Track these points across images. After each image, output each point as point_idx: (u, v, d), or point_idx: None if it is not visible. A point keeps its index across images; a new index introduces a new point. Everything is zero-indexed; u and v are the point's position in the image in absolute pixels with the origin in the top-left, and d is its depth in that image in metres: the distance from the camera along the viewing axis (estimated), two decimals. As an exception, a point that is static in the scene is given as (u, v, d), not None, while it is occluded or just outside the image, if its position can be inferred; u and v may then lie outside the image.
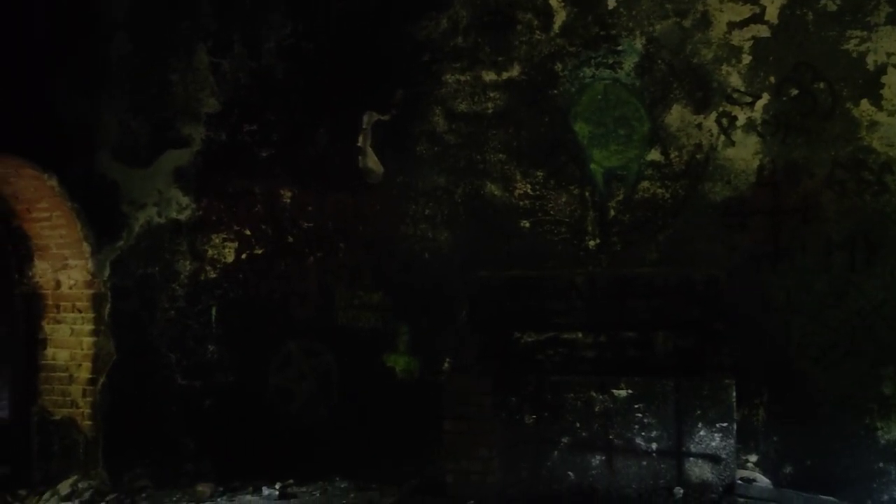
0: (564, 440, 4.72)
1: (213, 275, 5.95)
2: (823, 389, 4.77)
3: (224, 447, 5.79)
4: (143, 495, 5.50)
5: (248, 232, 5.95)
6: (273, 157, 5.91)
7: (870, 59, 4.79)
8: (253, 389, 5.83)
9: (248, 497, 5.39)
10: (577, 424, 4.72)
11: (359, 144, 5.74)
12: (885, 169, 4.72)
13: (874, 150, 4.76)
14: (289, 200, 5.90)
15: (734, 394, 4.52)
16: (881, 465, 4.64)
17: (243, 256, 5.95)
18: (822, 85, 4.90)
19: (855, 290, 4.74)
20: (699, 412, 4.55)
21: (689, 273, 4.95)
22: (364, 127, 5.72)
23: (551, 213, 5.41)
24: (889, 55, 4.74)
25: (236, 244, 5.94)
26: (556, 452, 4.73)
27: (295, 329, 5.82)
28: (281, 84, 5.86)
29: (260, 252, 5.92)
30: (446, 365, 5.17)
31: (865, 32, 4.80)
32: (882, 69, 4.76)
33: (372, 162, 5.75)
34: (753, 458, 4.86)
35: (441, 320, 5.48)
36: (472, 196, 5.54)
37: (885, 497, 4.62)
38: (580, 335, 5.05)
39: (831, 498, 4.55)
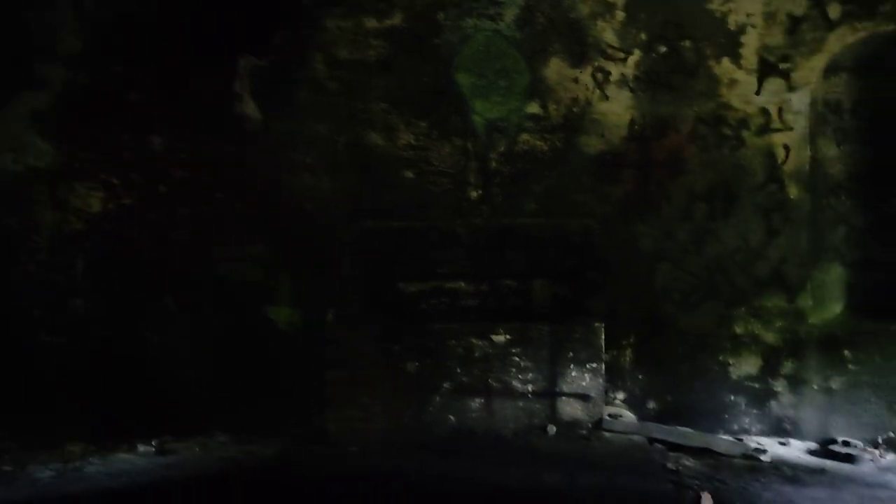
0: (446, 385, 4.86)
1: (78, 226, 5.62)
2: (684, 330, 5.13)
3: (96, 405, 5.55)
4: (7, 457, 5.21)
5: (116, 181, 5.64)
6: (143, 102, 5.61)
7: (731, 20, 5.07)
8: (126, 345, 5.61)
9: (123, 455, 5.21)
10: (458, 370, 4.86)
11: (236, 90, 5.54)
12: (742, 125, 5.05)
13: (733, 106, 5.07)
14: (160, 148, 5.63)
15: (603, 337, 4.78)
16: (732, 397, 5.07)
17: (111, 207, 5.65)
18: (687, 43, 5.14)
19: (713, 238, 5.09)
20: (571, 355, 4.79)
21: (565, 223, 5.14)
22: (241, 72, 5.52)
23: (434, 163, 5.45)
24: (749, 15, 5.03)
25: (103, 193, 5.63)
26: (437, 398, 4.86)
27: (171, 282, 5.62)
28: (150, 24, 5.53)
29: (130, 202, 5.64)
30: (330, 316, 5.15)
31: (728, -7, 5.08)
32: (742, 29, 5.05)
33: (250, 109, 5.58)
34: (621, 395, 5.18)
35: (324, 272, 5.44)
36: (355, 145, 5.49)
37: (735, 426, 5.06)
38: (462, 284, 5.16)
39: (688, 429, 4.93)
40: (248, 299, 5.56)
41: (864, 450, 4.65)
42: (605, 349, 4.82)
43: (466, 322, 4.98)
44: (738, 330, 5.05)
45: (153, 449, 5.20)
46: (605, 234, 5.14)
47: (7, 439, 5.44)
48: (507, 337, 4.85)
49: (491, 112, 5.42)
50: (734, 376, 5.06)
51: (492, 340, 4.86)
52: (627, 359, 5.19)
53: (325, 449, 4.68)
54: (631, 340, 5.19)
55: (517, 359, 4.83)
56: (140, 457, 5.12)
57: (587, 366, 4.76)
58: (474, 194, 5.44)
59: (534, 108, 5.36)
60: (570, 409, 4.78)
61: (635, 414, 5.09)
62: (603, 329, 4.76)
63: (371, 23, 5.41)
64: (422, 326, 4.96)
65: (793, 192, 4.96)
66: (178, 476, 4.62)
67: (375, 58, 5.43)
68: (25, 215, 5.58)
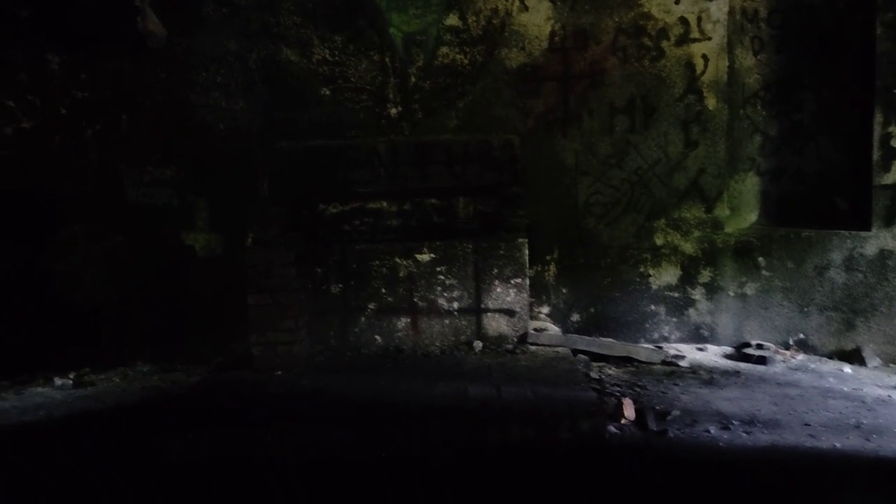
0: (371, 306, 4.81)
1: (-27, 152, 5.26)
2: (606, 244, 5.19)
3: (7, 339, 5.32)
4: (-89, 397, 4.97)
5: (11, 103, 5.27)
6: (34, 18, 5.20)
7: (652, -74, 4.97)
8: (34, 277, 5.35)
9: (39, 389, 5.03)
10: (383, 290, 4.81)
11: (136, 4, 5.17)
12: (662, 35, 5.00)
13: (653, 16, 5.01)
14: (57, 67, 5.27)
15: (526, 252, 4.78)
16: (652, 307, 5.19)
17: (9, 131, 5.29)
18: (607, -51, 5.03)
19: (634, 150, 5.10)
20: (495, 271, 4.78)
21: (488, 139, 5.05)
22: (139, -17, 5.15)
23: (352, 80, 5.27)
24: (669, -79, 4.93)
25: (-1, 118, 5.27)
26: (363, 319, 4.82)
27: (77, 210, 5.35)
28: (34, -72, 5.09)
29: (28, 126, 5.30)
30: (249, 241, 4.99)
31: None
32: (662, -65, 4.95)
33: (153, 24, 5.23)
34: (545, 309, 5.25)
35: (241, 194, 5.26)
36: (268, 62, 5.24)
37: (655, 335, 5.20)
38: (384, 204, 5.05)
39: (611, 339, 5.05)
40: (162, 225, 5.35)
41: (777, 351, 4.85)
42: (529, 264, 4.83)
43: (390, 242, 4.90)
44: (658, 241, 5.14)
45: (71, 381, 5.04)
46: (527, 148, 5.08)
47: None
48: (432, 255, 4.81)
49: (409, 25, 5.23)
50: (654, 286, 5.18)
51: (416, 259, 4.81)
52: (551, 273, 5.24)
53: (250, 374, 4.59)
54: (554, 255, 5.23)
55: (442, 277, 4.80)
56: (57, 390, 4.96)
57: (512, 281, 4.77)
58: (394, 111, 5.30)
59: (453, 20, 5.19)
60: (496, 324, 4.81)
61: (560, 327, 5.17)
62: (526, 244, 4.76)
63: (280, -73, 5.10)
64: (344, 247, 4.87)
65: (711, 103, 4.98)
66: (97, 407, 4.49)
67: (286, -33, 5.15)
68: (-89, 142, 5.18)
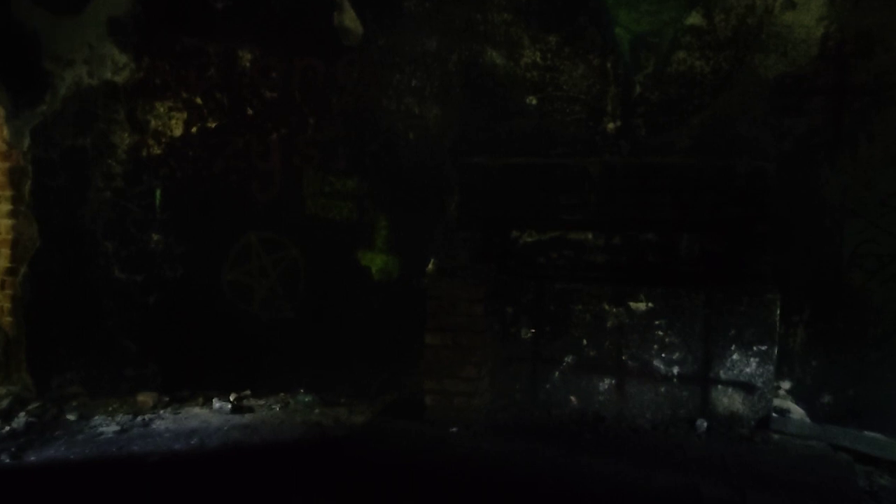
0: (568, 359, 3.98)
1: (157, 150, 5.01)
2: (878, 307, 4.01)
3: (171, 351, 5.02)
4: (74, 404, 4.75)
5: (199, 100, 4.98)
6: (231, 10, 4.89)
7: None
8: (205, 285, 5.01)
9: (197, 409, 4.65)
10: (584, 341, 3.96)
11: (339, -1, 4.72)
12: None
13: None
14: (249, 64, 4.91)
15: (777, 311, 3.74)
16: (939, 397, 3.95)
17: (194, 130, 5.00)
18: (912, -68, 3.89)
19: (930, 190, 3.91)
20: (733, 332, 3.78)
21: (729, 164, 4.09)
22: (336, -23, 4.69)
23: (564, 87, 4.48)
24: None
25: (185, 115, 4.99)
26: (556, 373, 3.99)
27: (255, 217, 4.95)
28: (237, -85, 4.76)
29: (214, 125, 4.98)
30: (431, 266, 4.34)
31: None
32: None
33: (349, 19, 4.74)
34: (787, 384, 4.14)
35: (427, 213, 4.63)
36: (470, 65, 4.57)
37: (938, 434, 3.95)
38: (589, 236, 4.23)
39: (879, 435, 3.87)
40: (339, 241, 4.82)
41: None
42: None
43: (595, 282, 4.05)
44: (955, 311, 3.89)
45: (230, 405, 4.61)
46: (779, 178, 4.05)
47: (75, 383, 4.99)
48: (649, 304, 3.90)
49: (639, 24, 4.36)
50: (944, 370, 3.93)
51: (629, 307, 3.92)
52: (798, 339, 4.12)
53: (420, 426, 3.93)
54: (804, 316, 4.11)
55: (660, 333, 3.88)
56: (214, 413, 4.55)
57: (754, 348, 3.75)
58: (611, 126, 4.43)
59: (696, 18, 4.26)
60: (728, 400, 3.80)
61: (804, 409, 4.05)
62: (778, 301, 3.72)
63: None
64: (540, 284, 4.08)
65: None
66: (252, 441, 3.98)
67: (498, -43, 4.47)
68: (101, 136, 5.01)
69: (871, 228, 4.02)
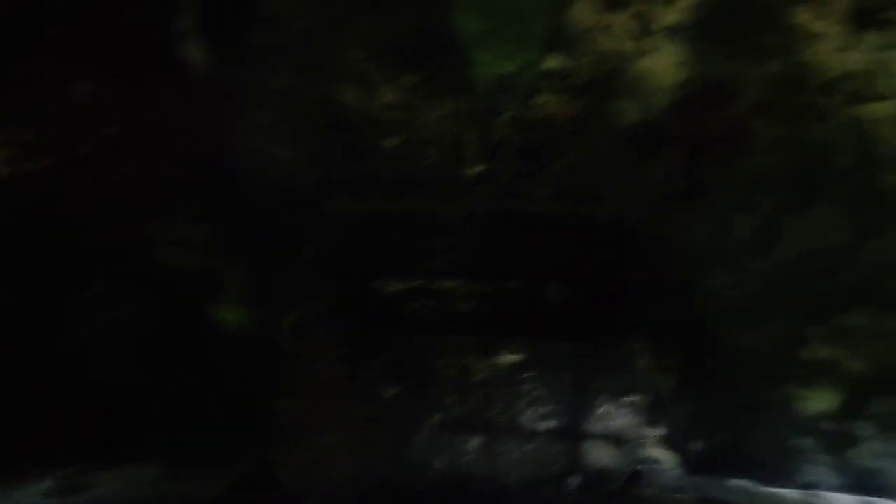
0: (434, 418, 3.75)
1: (-26, 194, 4.45)
2: (743, 353, 4.03)
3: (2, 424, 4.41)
4: None
5: (30, 137, 4.47)
6: (63, 39, 4.43)
7: (817, -46, 3.93)
8: (33, 346, 4.44)
9: (26, 490, 4.09)
10: (451, 398, 3.75)
11: (179, 27, 4.35)
12: (827, 91, 3.91)
13: (816, 67, 3.92)
14: (84, 97, 4.46)
15: (644, 360, 3.68)
16: (801, 441, 3.98)
17: (20, 170, 4.47)
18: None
19: (785, 235, 3.98)
20: (601, 383, 3.69)
21: (592, 210, 4.05)
22: (185, 4, 4.32)
23: (424, 129, 4.33)
24: (842, -51, 3.89)
25: (14, 152, 4.43)
26: (422, 434, 3.75)
27: (92, 268, 4.46)
28: (65, -63, 4.34)
29: (44, 165, 4.47)
30: (288, 321, 4.03)
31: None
32: (832, -34, 3.91)
33: (196, 52, 4.41)
34: (658, 433, 4.07)
35: (283, 263, 4.31)
36: (325, 104, 4.34)
37: (802, 478, 3.96)
38: (456, 284, 4.08)
39: (746, 482, 3.85)
40: (188, 293, 4.41)
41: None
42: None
43: (461, 334, 3.88)
44: (815, 354, 3.96)
45: (63, 482, 4.06)
46: (643, 225, 4.04)
47: None
48: (516, 357, 3.75)
49: (498, 66, 4.27)
50: (805, 414, 3.97)
51: (496, 361, 3.74)
52: (668, 386, 4.08)
53: (276, 497, 3.58)
54: (673, 363, 4.08)
55: (528, 386, 3.72)
56: (43, 499, 3.99)
57: (622, 399, 3.66)
58: (473, 170, 4.31)
59: (555, 62, 4.21)
60: (599, 454, 3.68)
61: (676, 457, 3.99)
62: (645, 350, 3.66)
63: (350, -56, 4.25)
64: (403, 338, 3.86)
65: (893, 180, 3.85)
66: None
67: (353, -9, 4.28)
68: None
69: (734, 274, 4.06)
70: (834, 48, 3.92)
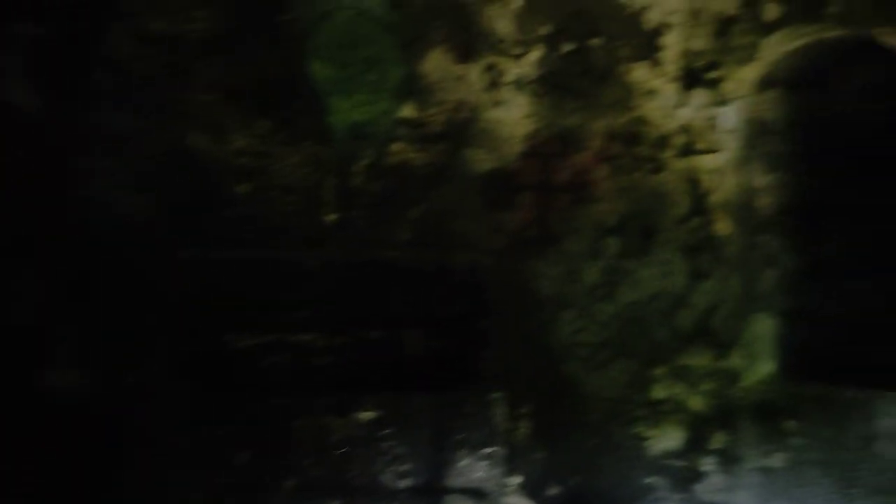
0: (289, 483, 3.58)
1: None
2: (592, 396, 4.14)
3: None
4: None
5: None
6: None
7: (649, 17, 4.17)
8: None
9: None
10: (307, 461, 3.60)
11: (2, 66, 4.00)
12: (662, 144, 4.15)
13: (652, 121, 4.15)
14: None
15: (501, 411, 3.71)
16: (650, 479, 4.12)
17: None
18: (598, 42, 4.20)
19: (628, 280, 4.16)
20: (461, 436, 3.67)
21: (448, 258, 4.07)
22: (9, 42, 3.98)
23: (278, 176, 4.20)
24: (670, 13, 4.14)
25: None
26: (278, 500, 3.57)
27: None
28: None
29: None
30: (128, 383, 3.75)
31: None
32: (662, 29, 4.15)
33: (23, 93, 4.08)
34: (516, 480, 4.09)
35: (124, 319, 4.00)
36: (172, 149, 4.12)
37: (652, 514, 4.14)
38: (313, 337, 3.95)
39: (601, 524, 3.96)
40: (16, 355, 4.01)
41: (805, 539, 3.86)
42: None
43: (319, 391, 3.75)
44: (658, 394, 4.13)
45: None
46: (496, 273, 4.10)
47: None
48: (374, 413, 3.66)
49: (354, 113, 4.23)
50: (653, 452, 4.13)
51: (354, 418, 3.64)
52: (524, 433, 4.12)
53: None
54: (528, 410, 4.13)
55: (388, 443, 3.64)
56: None
57: (482, 451, 3.66)
58: (330, 218, 4.22)
59: (409, 111, 4.23)
60: (459, 509, 3.65)
61: (533, 502, 4.04)
62: (502, 401, 3.68)
63: (196, -14, 4.08)
64: (256, 397, 3.68)
65: (722, 227, 4.12)
66: None
67: (202, 34, 4.10)
68: None
69: (581, 319, 4.18)
70: (668, 105, 4.18)
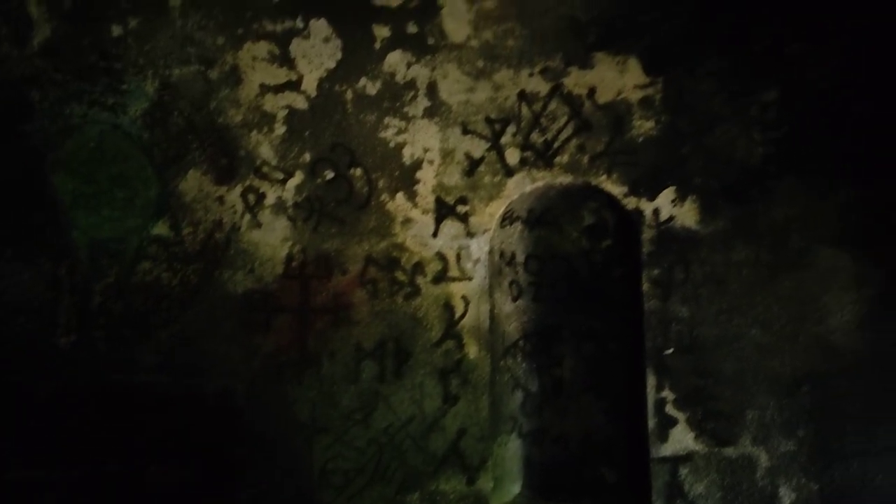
0: None
1: None
2: (349, 523, 4.07)
3: None
4: None
5: None
6: None
7: (406, 152, 4.42)
8: None
9: None
10: None
11: None
12: (417, 270, 4.34)
13: (408, 248, 4.35)
14: None
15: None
16: None
17: None
18: (358, 171, 4.38)
19: (384, 403, 4.18)
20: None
21: (198, 383, 3.89)
22: None
23: (11, 294, 3.85)
24: (426, 150, 4.42)
25: None
26: None
27: None
28: None
29: None
30: None
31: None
32: (418, 164, 4.41)
33: None
34: None
35: None
36: None
37: None
38: (42, 473, 3.56)
39: None
40: None
41: None
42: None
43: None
44: (407, 526, 4.13)
45: None
46: (251, 398, 3.97)
47: None
48: (102, 559, 3.30)
49: (100, 230, 4.03)
50: (409, 584, 4.09)
51: (76, 567, 3.26)
52: (274, 569, 3.93)
53: None
54: (283, 543, 3.95)
55: None
56: None
57: None
58: (66, 340, 3.90)
59: (163, 229, 4.11)
60: None
61: None
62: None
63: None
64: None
65: (472, 351, 4.32)
66: None
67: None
68: None
69: (337, 444, 4.12)
70: (424, 233, 4.40)
